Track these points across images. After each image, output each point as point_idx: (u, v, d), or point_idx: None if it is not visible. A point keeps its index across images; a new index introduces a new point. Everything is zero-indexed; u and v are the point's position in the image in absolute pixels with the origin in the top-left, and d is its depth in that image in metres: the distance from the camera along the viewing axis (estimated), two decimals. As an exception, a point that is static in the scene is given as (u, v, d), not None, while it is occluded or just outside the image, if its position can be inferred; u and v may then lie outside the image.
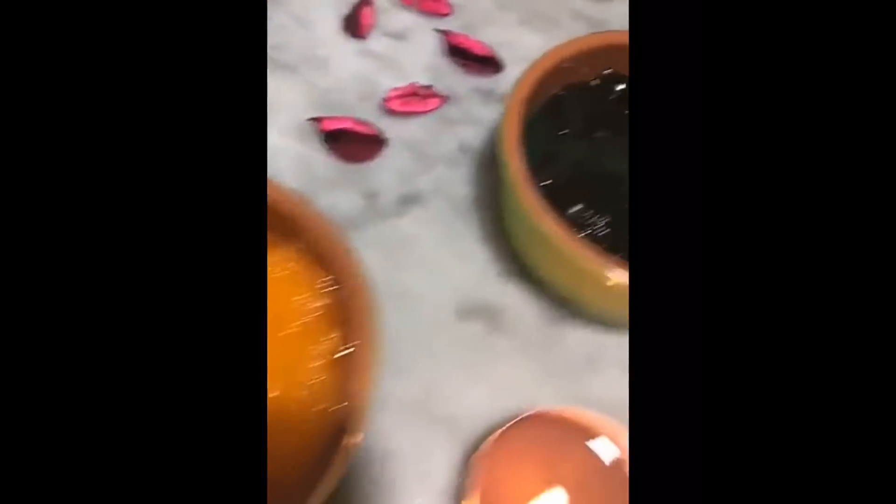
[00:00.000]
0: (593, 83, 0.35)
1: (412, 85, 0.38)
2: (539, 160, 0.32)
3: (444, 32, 0.41)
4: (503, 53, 0.42)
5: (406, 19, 0.43)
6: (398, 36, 0.42)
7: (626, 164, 0.31)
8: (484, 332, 0.32)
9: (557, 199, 0.30)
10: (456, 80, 0.40)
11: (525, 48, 0.43)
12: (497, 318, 0.33)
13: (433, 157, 0.37)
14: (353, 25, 0.41)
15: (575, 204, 0.30)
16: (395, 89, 0.38)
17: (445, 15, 0.43)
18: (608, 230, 0.30)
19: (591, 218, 0.30)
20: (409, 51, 0.42)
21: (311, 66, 0.40)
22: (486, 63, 0.40)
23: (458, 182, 0.36)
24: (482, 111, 0.39)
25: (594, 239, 0.29)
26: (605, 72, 0.35)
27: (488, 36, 0.43)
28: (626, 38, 0.35)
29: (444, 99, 0.38)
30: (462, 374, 0.31)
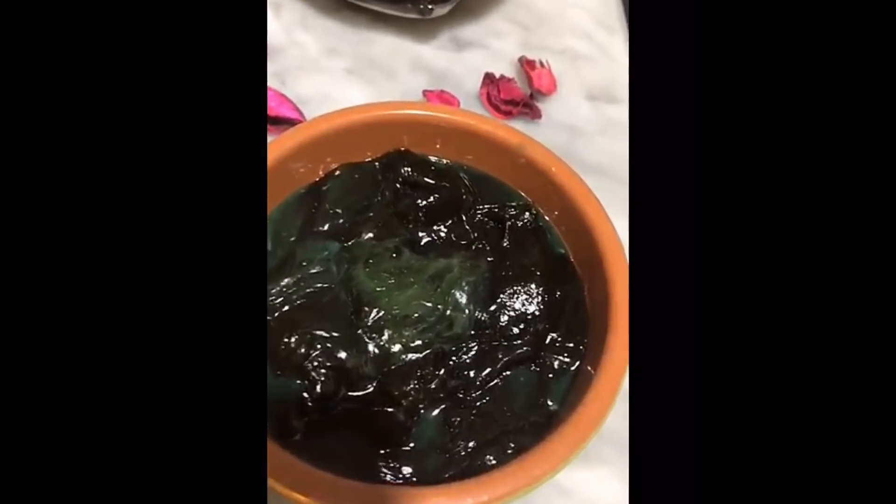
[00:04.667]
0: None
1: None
2: (278, 263, 0.25)
3: (241, 82, 0.35)
4: (316, 108, 0.35)
5: (207, 61, 0.37)
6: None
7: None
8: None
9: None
10: (246, 141, 0.34)
11: (344, 104, 0.36)
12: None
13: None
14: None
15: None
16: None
17: (257, 58, 0.37)
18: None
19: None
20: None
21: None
22: (281, 123, 0.34)
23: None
24: (266, 182, 0.33)
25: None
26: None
27: (304, 86, 0.36)
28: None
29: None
30: None
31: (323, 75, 0.37)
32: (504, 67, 0.39)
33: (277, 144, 0.26)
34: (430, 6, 0.37)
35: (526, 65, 0.38)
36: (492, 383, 0.23)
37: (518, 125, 0.36)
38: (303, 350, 0.23)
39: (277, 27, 0.39)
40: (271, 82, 0.36)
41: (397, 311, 0.24)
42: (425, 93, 0.36)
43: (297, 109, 0.34)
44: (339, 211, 0.27)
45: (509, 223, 0.26)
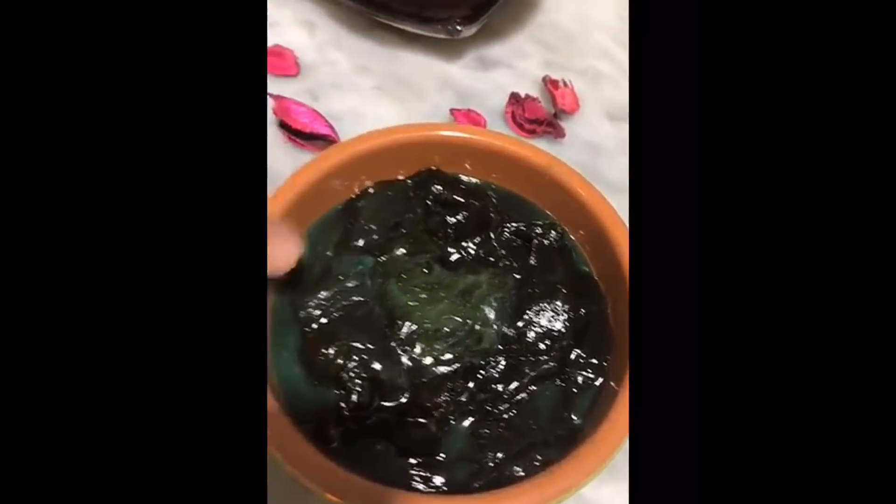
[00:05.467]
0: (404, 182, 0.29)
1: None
2: (316, 277, 0.26)
3: (275, 98, 0.36)
4: (347, 125, 0.36)
5: (243, 78, 0.38)
6: (228, 98, 0.37)
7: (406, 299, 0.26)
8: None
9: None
10: (278, 156, 0.35)
11: (374, 122, 0.37)
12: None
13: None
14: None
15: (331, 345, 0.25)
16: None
17: (292, 76, 0.38)
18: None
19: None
20: (236, 116, 0.36)
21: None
22: (315, 139, 0.35)
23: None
24: (300, 196, 0.34)
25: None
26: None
27: (335, 103, 0.38)
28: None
29: (256, 180, 0.33)
30: None
31: (354, 93, 0.38)
32: (528, 87, 0.40)
33: (318, 163, 0.27)
34: (458, 27, 0.38)
35: (549, 84, 0.39)
36: (518, 397, 0.24)
37: (542, 144, 0.37)
38: (340, 361, 0.24)
39: (311, 45, 0.40)
40: (304, 98, 0.37)
41: (429, 326, 0.25)
42: (453, 111, 0.37)
43: (330, 126, 0.35)
44: (373, 227, 0.28)
45: (535, 241, 0.28)
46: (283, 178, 0.34)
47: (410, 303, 0.25)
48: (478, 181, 0.30)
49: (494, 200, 0.29)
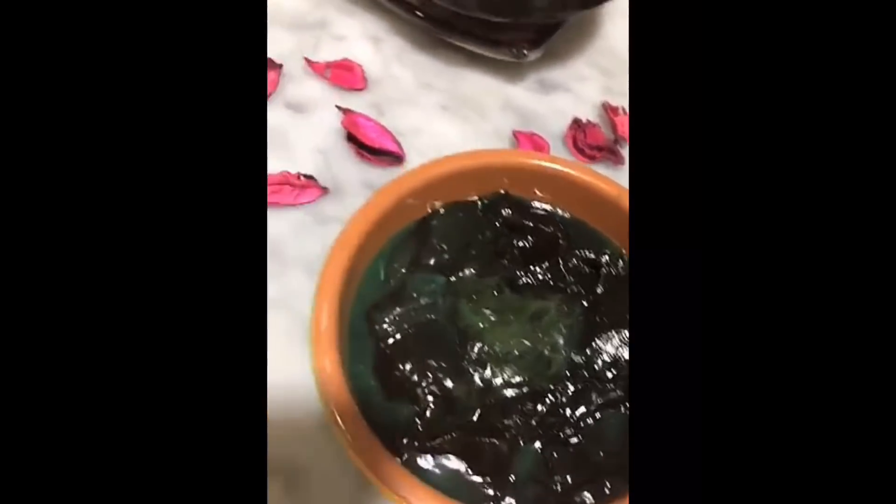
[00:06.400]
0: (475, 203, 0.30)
1: (285, 174, 0.34)
2: (391, 293, 0.27)
3: (345, 111, 0.37)
4: (411, 141, 0.37)
5: (313, 90, 0.39)
6: (298, 108, 0.38)
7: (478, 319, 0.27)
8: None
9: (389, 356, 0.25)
10: (346, 168, 0.36)
11: (437, 139, 0.39)
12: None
13: (292, 262, 0.33)
14: (251, 91, 0.38)
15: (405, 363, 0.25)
16: (268, 176, 0.34)
17: (359, 90, 0.39)
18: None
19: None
20: (305, 127, 0.37)
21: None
22: (382, 155, 0.36)
23: (309, 296, 0.32)
24: (366, 209, 0.35)
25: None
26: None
27: (400, 119, 0.39)
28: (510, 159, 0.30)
29: (324, 191, 0.34)
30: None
31: (418, 109, 0.39)
32: (587, 111, 0.41)
33: (396, 186, 0.28)
34: (524, 51, 0.39)
35: (610, 111, 0.40)
36: (586, 423, 0.25)
37: (601, 169, 0.38)
38: (415, 378, 0.25)
39: (377, 59, 0.41)
40: (370, 112, 0.38)
41: (499, 348, 0.26)
42: (516, 133, 0.38)
43: (397, 142, 0.36)
44: (444, 247, 0.28)
45: (604, 270, 0.28)
46: (349, 190, 0.35)
47: (481, 324, 0.26)
48: (547, 206, 0.30)
49: (563, 227, 0.30)
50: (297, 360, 0.29)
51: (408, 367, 0.25)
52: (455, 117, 0.39)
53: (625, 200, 0.29)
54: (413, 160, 0.37)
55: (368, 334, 0.26)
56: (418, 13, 0.40)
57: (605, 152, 0.38)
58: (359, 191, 0.35)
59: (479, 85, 0.41)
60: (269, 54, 0.39)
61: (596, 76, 0.43)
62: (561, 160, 0.30)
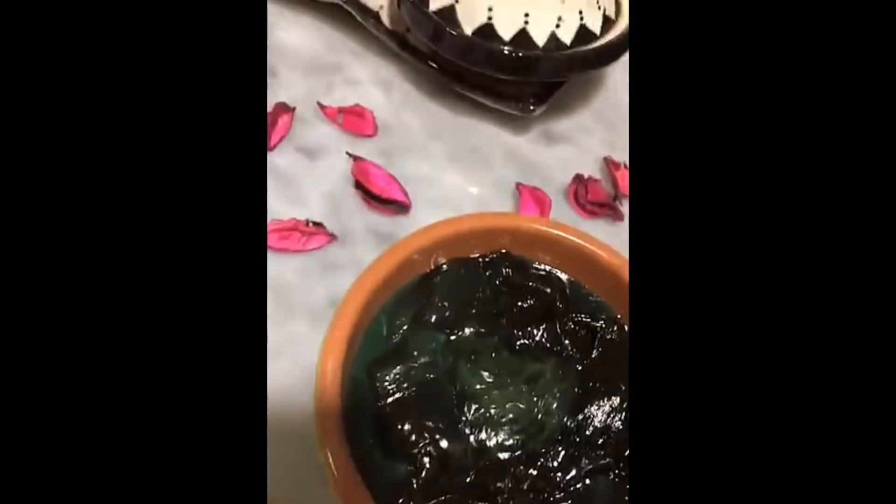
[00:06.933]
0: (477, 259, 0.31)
1: (294, 221, 0.35)
2: (392, 350, 0.28)
3: (355, 158, 0.38)
4: (418, 190, 0.38)
5: (323, 134, 0.40)
6: (309, 153, 0.39)
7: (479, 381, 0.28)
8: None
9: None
10: (354, 215, 0.37)
11: (443, 189, 0.40)
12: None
13: (298, 309, 0.34)
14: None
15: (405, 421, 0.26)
16: (277, 221, 0.35)
17: (369, 136, 0.40)
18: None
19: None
20: (315, 172, 0.38)
21: (204, 174, 0.37)
22: (389, 204, 0.37)
23: (314, 344, 0.33)
24: (371, 258, 0.36)
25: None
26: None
27: (408, 167, 0.40)
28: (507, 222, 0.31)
29: (332, 238, 0.35)
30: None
31: (426, 159, 0.40)
32: (590, 164, 0.42)
33: (404, 246, 0.29)
34: (531, 106, 0.40)
35: (611, 166, 0.41)
36: (576, 488, 0.26)
37: (601, 225, 0.39)
38: (413, 438, 0.25)
39: (388, 105, 0.42)
40: (378, 159, 0.39)
41: (495, 411, 0.27)
42: (519, 187, 0.39)
43: (404, 191, 0.37)
44: (446, 304, 0.29)
45: (599, 335, 0.29)
46: (356, 237, 0.36)
47: (479, 386, 0.27)
48: (547, 268, 0.32)
49: (562, 289, 0.31)
50: (298, 409, 0.30)
51: (406, 427, 0.25)
52: (461, 167, 0.40)
53: (625, 272, 0.30)
54: (419, 210, 0.38)
55: (369, 390, 0.27)
56: (430, 63, 0.42)
57: (606, 209, 0.39)
58: (365, 238, 0.36)
59: (484, 135, 0.42)
60: (283, 97, 0.40)
61: (600, 129, 0.45)
62: (563, 226, 0.31)
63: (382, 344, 0.28)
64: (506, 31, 0.37)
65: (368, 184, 0.37)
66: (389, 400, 0.27)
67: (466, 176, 0.40)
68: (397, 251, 0.29)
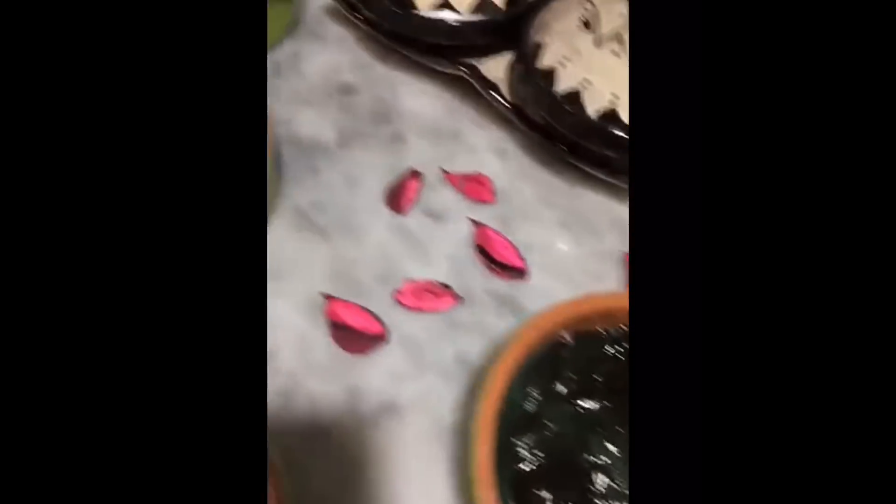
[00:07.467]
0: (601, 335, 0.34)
1: (428, 282, 0.38)
2: (519, 420, 0.31)
3: (476, 224, 0.42)
4: (533, 257, 0.42)
5: (447, 199, 0.44)
6: (435, 216, 0.43)
7: (604, 450, 0.30)
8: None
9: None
10: (475, 278, 0.40)
11: (555, 255, 0.43)
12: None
13: (427, 365, 0.37)
14: (395, 197, 0.42)
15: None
16: (411, 282, 0.38)
17: (487, 202, 0.44)
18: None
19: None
20: (440, 235, 0.42)
21: (343, 233, 0.41)
22: (508, 269, 0.40)
23: (444, 399, 0.36)
24: (492, 321, 0.39)
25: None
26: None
27: (523, 233, 0.43)
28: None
29: (458, 300, 0.39)
30: None
31: (539, 225, 0.43)
32: (691, 236, 0.44)
33: (542, 318, 0.32)
34: (641, 182, 0.43)
35: (713, 240, 0.43)
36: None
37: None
38: (550, 504, 0.28)
39: (503, 172, 0.45)
40: (496, 224, 0.42)
41: (619, 483, 0.29)
42: (626, 257, 0.41)
43: (522, 258, 0.40)
44: (574, 377, 0.32)
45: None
46: (477, 300, 0.39)
47: (607, 460, 0.30)
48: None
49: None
50: (433, 464, 0.33)
51: (544, 492, 0.28)
52: (571, 234, 0.43)
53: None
54: (534, 276, 0.41)
55: (506, 453, 0.30)
56: (545, 134, 0.45)
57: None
58: (487, 302, 0.39)
59: (593, 204, 0.45)
60: (411, 162, 0.44)
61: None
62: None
63: (517, 410, 0.31)
64: (626, 116, 0.40)
65: (490, 249, 0.40)
66: (527, 465, 0.29)
67: (576, 243, 0.43)
68: (535, 326, 0.32)
